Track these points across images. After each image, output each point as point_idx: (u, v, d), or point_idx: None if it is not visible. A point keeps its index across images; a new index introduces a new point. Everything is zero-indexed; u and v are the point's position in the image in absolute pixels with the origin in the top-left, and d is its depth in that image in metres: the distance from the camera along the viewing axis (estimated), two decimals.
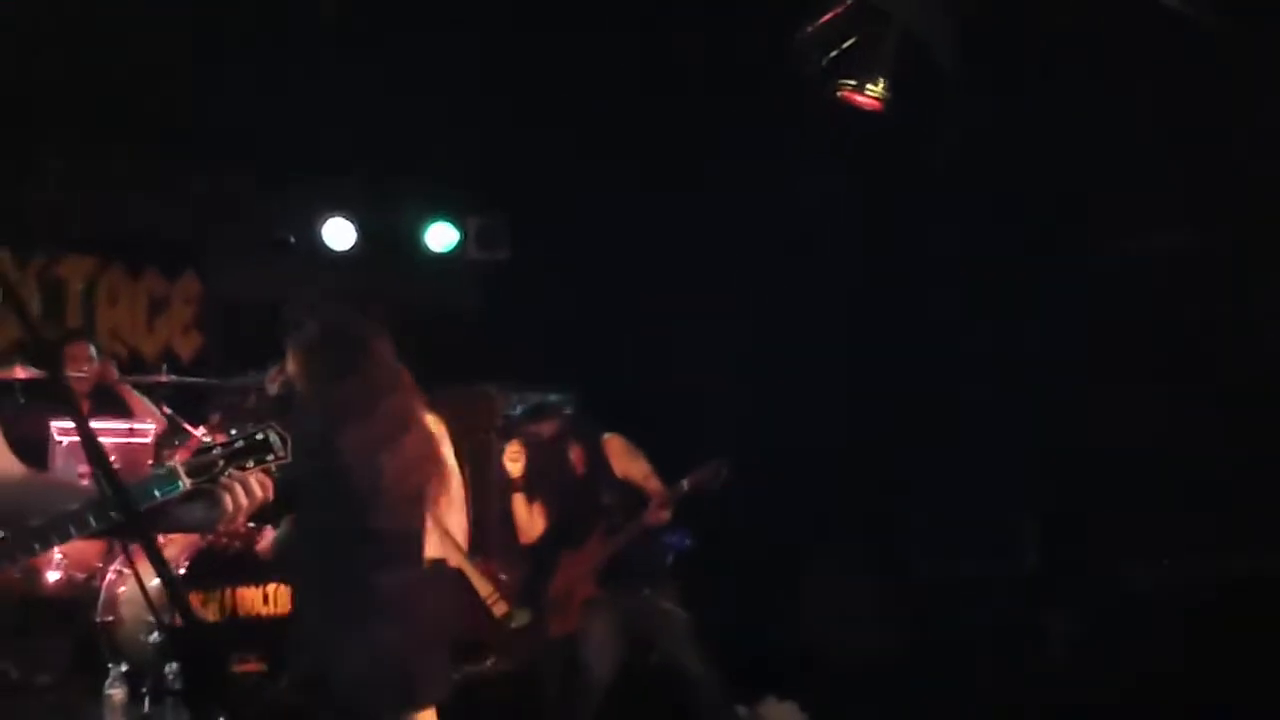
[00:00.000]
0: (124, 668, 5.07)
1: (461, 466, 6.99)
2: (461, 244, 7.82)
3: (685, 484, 5.36)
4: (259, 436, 2.64)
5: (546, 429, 5.82)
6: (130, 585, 5.33)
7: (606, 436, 5.65)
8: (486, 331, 7.72)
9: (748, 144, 6.43)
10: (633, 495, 5.55)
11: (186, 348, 7.10)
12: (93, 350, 6.01)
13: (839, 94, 5.08)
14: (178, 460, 2.56)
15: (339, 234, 7.33)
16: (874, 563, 7.07)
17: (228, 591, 5.37)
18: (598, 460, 5.65)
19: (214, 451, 2.61)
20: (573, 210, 7.48)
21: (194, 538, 5.32)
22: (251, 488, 2.61)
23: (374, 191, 7.52)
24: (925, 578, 7.06)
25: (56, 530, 2.51)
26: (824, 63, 4.97)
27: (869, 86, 5.08)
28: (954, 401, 6.78)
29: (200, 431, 5.68)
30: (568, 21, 6.10)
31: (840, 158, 6.15)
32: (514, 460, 5.61)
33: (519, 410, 6.28)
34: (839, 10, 4.92)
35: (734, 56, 6.09)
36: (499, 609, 5.53)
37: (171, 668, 5.05)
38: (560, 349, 7.29)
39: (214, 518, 2.58)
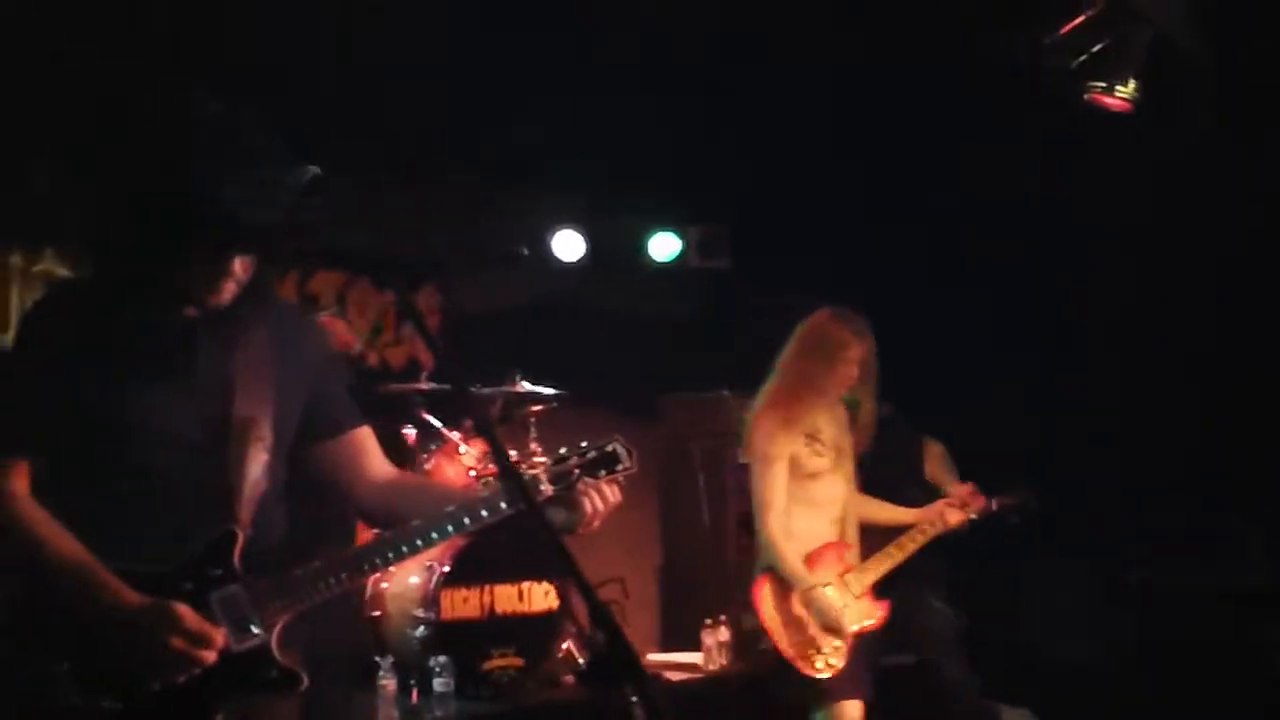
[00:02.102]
0: (391, 660, 5.33)
1: (695, 471, 7.22)
2: (683, 253, 7.97)
3: (994, 504, 5.39)
4: (609, 448, 2.88)
5: None
6: (395, 581, 5.59)
7: (929, 440, 5.80)
8: (708, 338, 7.84)
9: (982, 146, 6.40)
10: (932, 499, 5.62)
11: (429, 357, 7.37)
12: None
13: (1088, 96, 5.09)
14: (540, 469, 2.81)
15: (569, 246, 7.55)
16: (1092, 569, 6.98)
17: (487, 589, 5.59)
18: (913, 459, 5.89)
19: (570, 461, 2.85)
20: (794, 217, 7.56)
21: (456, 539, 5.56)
22: (607, 495, 2.86)
23: (601, 204, 7.73)
24: (1146, 586, 6.96)
25: (451, 522, 2.76)
26: (1074, 65, 4.99)
27: (1119, 88, 5.08)
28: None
29: (456, 436, 5.93)
30: (786, 30, 6.18)
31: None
32: None
33: None
34: (1090, 13, 4.92)
35: (962, 58, 6.08)
36: None
37: (437, 660, 5.29)
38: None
39: (574, 521, 2.83)
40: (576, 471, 2.92)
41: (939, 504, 5.17)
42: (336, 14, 5.57)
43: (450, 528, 2.85)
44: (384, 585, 5.62)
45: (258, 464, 2.78)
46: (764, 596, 4.79)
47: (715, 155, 7.17)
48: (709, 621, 6.29)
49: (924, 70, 6.04)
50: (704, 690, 6.06)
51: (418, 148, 6.79)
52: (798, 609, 4.71)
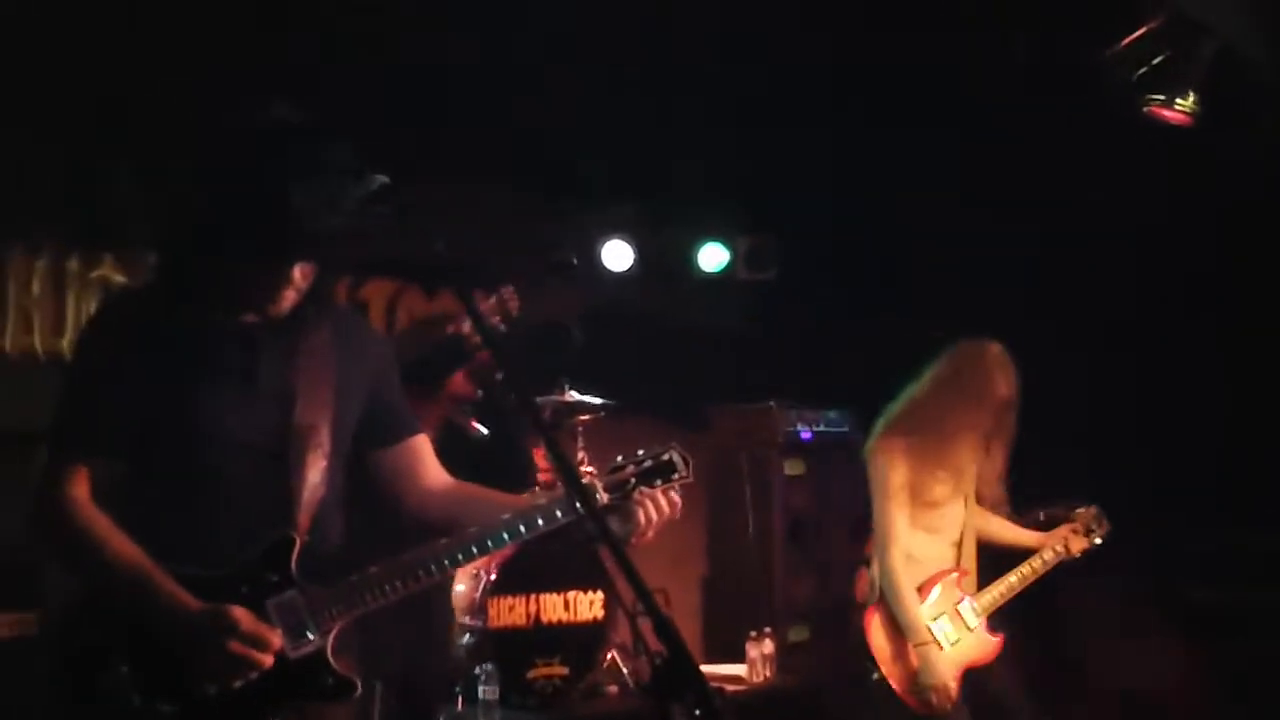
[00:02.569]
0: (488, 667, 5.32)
1: (742, 482, 7.20)
2: (731, 264, 7.95)
3: (1041, 515, 5.33)
4: (665, 457, 2.88)
5: None
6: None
7: None
8: (756, 349, 7.82)
9: (1038, 157, 6.34)
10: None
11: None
12: None
13: (1148, 109, 5.05)
14: (595, 478, 2.81)
15: (618, 256, 7.55)
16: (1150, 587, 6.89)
17: (533, 598, 5.58)
18: None
19: (627, 469, 2.84)
20: (843, 228, 7.54)
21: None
22: (662, 505, 2.85)
23: (650, 214, 7.72)
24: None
25: (508, 529, 2.76)
26: (1135, 77, 4.95)
27: (1179, 101, 5.03)
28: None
29: None
30: (833, 41, 6.16)
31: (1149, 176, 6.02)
32: None
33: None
34: (1152, 24, 4.88)
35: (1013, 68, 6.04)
36: None
37: (483, 668, 5.29)
38: (835, 367, 7.33)
39: (629, 530, 2.82)
40: (633, 480, 2.92)
41: (1063, 529, 4.93)
42: (396, 17, 5.61)
43: (506, 535, 2.85)
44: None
45: (316, 470, 2.79)
46: (875, 626, 4.61)
47: (766, 165, 7.16)
48: (753, 634, 6.27)
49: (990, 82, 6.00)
50: (748, 703, 6.04)
51: (470, 155, 6.82)
52: (909, 654, 4.55)
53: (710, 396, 7.54)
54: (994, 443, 4.73)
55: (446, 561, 2.82)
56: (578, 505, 2.83)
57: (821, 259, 7.79)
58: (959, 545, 4.78)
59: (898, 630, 4.57)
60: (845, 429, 7.31)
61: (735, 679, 6.24)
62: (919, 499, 4.65)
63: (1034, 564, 4.85)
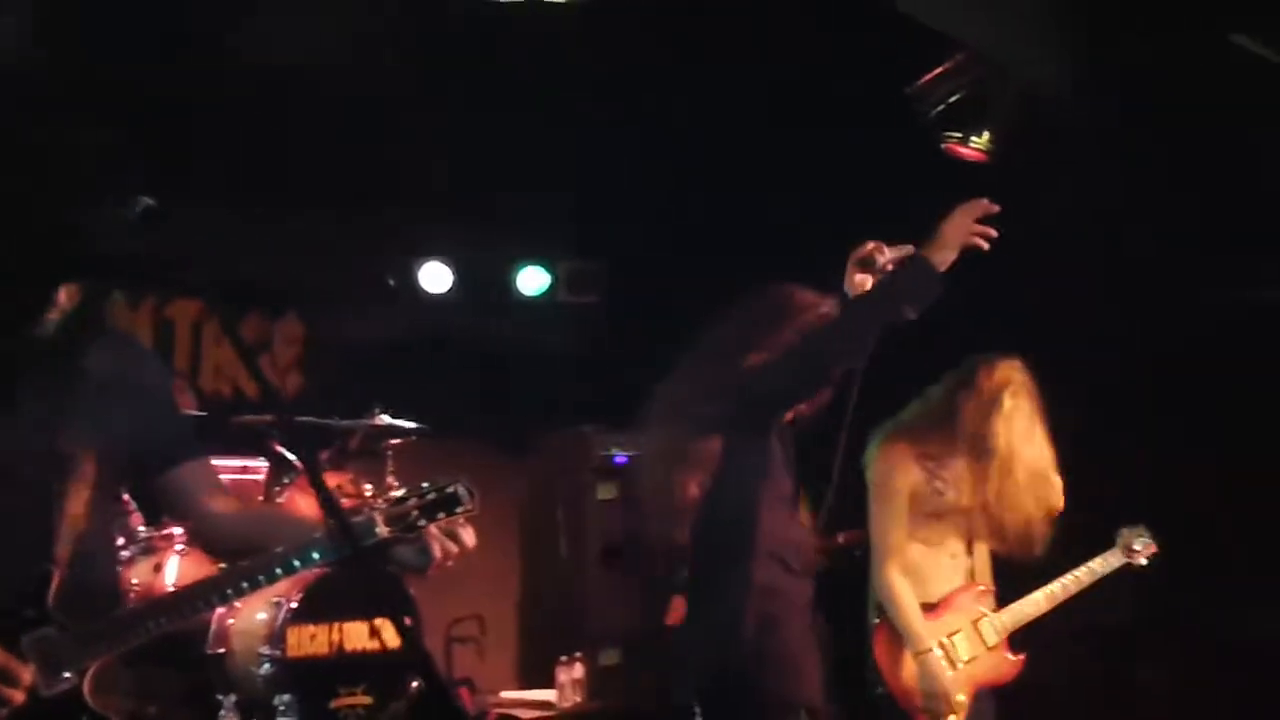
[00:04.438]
0: (234, 698, 5.19)
1: (555, 508, 7.19)
2: (553, 287, 7.94)
3: (840, 538, 5.34)
4: (450, 490, 2.81)
5: None
6: (241, 617, 5.46)
7: None
8: (579, 374, 7.82)
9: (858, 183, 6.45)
10: None
11: (288, 388, 7.26)
12: None
13: (945, 145, 5.19)
14: (377, 510, 2.75)
15: (436, 278, 7.48)
16: None
17: (336, 626, 5.47)
18: None
19: (409, 502, 2.79)
20: (667, 253, 7.58)
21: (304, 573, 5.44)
22: (461, 538, 2.80)
23: (469, 236, 7.67)
24: None
25: (281, 564, 2.68)
26: (933, 114, 5.09)
27: (974, 139, 5.19)
28: None
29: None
30: (660, 65, 6.20)
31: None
32: None
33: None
34: (950, 64, 5.03)
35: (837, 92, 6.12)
36: None
37: (282, 699, 5.17)
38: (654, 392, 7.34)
39: (425, 563, 2.77)
40: (414, 513, 2.86)
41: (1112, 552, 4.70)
42: (205, 33, 5.48)
43: (279, 569, 2.76)
44: (230, 621, 5.48)
45: (79, 500, 2.68)
46: (880, 643, 4.36)
47: (591, 189, 7.17)
48: (564, 659, 6.25)
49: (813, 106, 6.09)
50: None
51: (282, 174, 6.70)
52: (909, 667, 4.28)
53: (527, 421, 7.52)
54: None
55: (214, 598, 2.72)
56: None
57: (644, 283, 7.83)
58: (965, 556, 4.50)
59: (900, 644, 4.32)
60: None
61: (545, 705, 6.22)
62: (920, 508, 4.40)
63: (1065, 583, 4.58)
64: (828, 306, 3.64)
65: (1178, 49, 4.89)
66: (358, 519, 2.76)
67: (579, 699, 6.24)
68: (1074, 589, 4.59)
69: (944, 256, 3.32)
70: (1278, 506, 5.83)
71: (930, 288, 3.31)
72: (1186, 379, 6.19)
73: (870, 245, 3.53)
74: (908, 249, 3.45)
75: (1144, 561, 4.70)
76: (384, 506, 2.83)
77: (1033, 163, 5.32)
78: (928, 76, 5.05)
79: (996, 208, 3.31)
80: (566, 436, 7.27)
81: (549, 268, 7.89)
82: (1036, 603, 4.56)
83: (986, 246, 3.30)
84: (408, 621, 5.65)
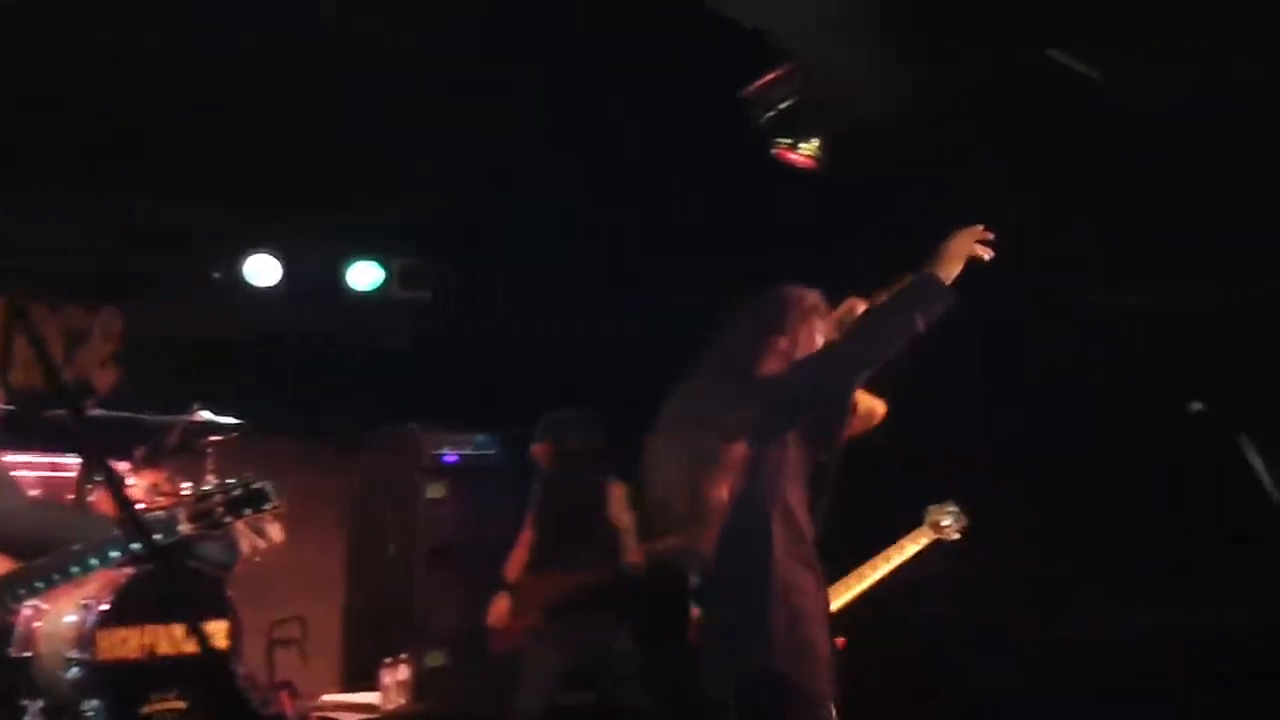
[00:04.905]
0: (40, 704, 5.00)
1: (384, 507, 7.08)
2: (386, 283, 7.82)
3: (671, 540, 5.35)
4: (256, 486, 2.76)
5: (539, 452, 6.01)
6: (47, 620, 5.26)
7: (613, 482, 5.76)
8: (411, 371, 7.71)
9: (688, 185, 6.49)
10: (613, 541, 5.74)
11: (104, 382, 7.01)
12: None
13: (775, 151, 5.25)
14: (182, 507, 2.67)
15: (262, 271, 7.30)
16: None
17: (149, 629, 5.30)
18: (586, 497, 5.82)
19: (214, 499, 2.72)
20: (500, 250, 7.54)
21: (115, 574, 5.26)
22: (267, 534, 2.76)
23: (298, 229, 7.50)
24: None
25: (76, 562, 2.58)
26: (764, 120, 5.13)
27: (802, 145, 5.25)
28: None
29: (125, 468, 5.64)
30: (501, 59, 6.15)
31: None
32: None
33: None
34: (780, 71, 5.08)
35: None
36: None
37: (90, 704, 4.99)
38: (488, 390, 7.31)
39: (231, 559, 2.72)
40: (219, 510, 2.80)
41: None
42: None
43: (75, 568, 2.67)
44: (36, 624, 5.27)
45: None
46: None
47: (427, 185, 7.08)
48: (388, 660, 6.16)
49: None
50: None
51: (105, 162, 6.48)
52: None
53: (356, 419, 7.40)
54: None
55: (7, 597, 2.62)
56: (159, 536, 2.68)
57: (479, 280, 7.77)
58: None
59: None
60: (492, 452, 7.31)
61: (369, 707, 6.12)
62: None
63: (876, 562, 4.58)
64: (814, 299, 3.74)
65: (998, 62, 5.02)
66: (161, 515, 2.71)
67: (403, 701, 6.16)
68: (886, 568, 4.59)
69: (950, 270, 3.50)
70: (1097, 501, 6.04)
71: (941, 299, 3.48)
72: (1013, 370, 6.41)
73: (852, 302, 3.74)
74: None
75: (955, 536, 4.73)
76: (189, 502, 2.78)
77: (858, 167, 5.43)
78: (759, 82, 5.09)
79: (991, 235, 3.52)
80: (395, 435, 7.18)
81: (382, 263, 7.77)
82: (849, 584, 4.55)
83: (988, 258, 3.51)
84: (225, 625, 5.51)
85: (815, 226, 6.27)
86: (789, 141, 5.20)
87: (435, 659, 6.72)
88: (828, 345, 3.64)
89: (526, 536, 5.97)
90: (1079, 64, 5.02)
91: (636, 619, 6.01)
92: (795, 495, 3.55)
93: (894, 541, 4.65)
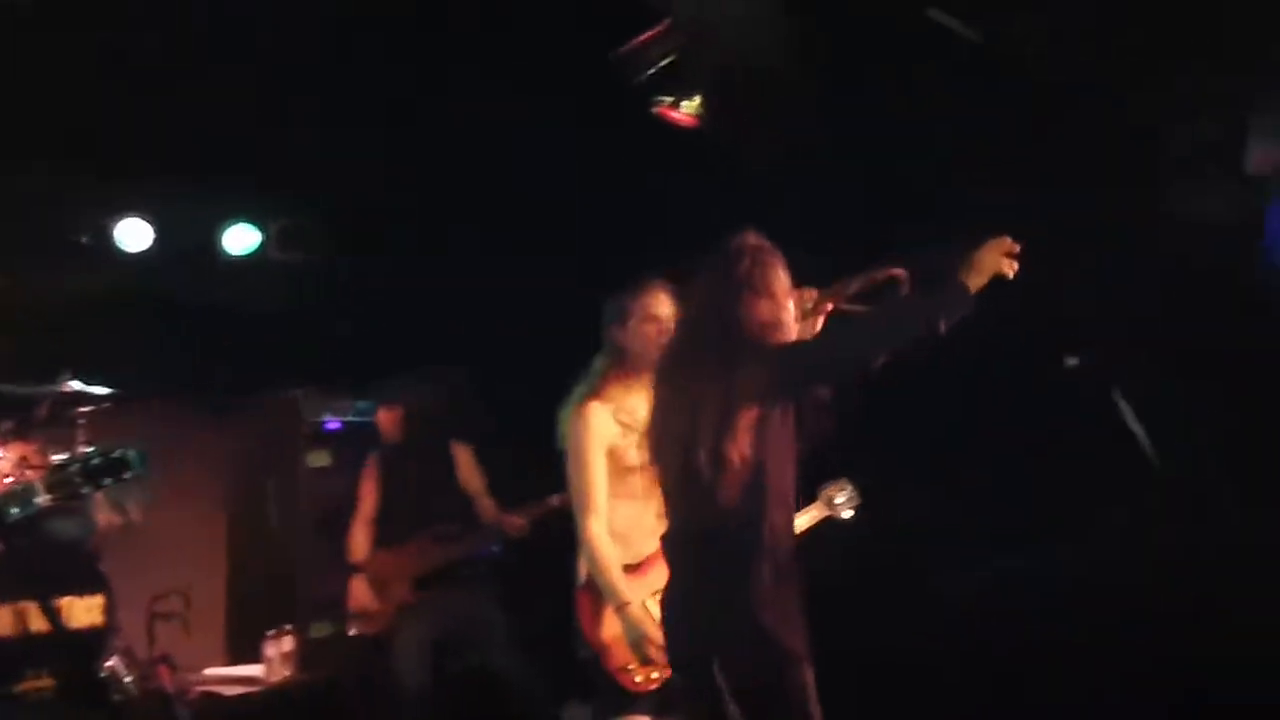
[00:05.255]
0: None
1: (266, 476, 6.94)
2: (263, 246, 7.63)
3: (555, 500, 5.31)
4: (116, 454, 2.68)
5: (387, 419, 5.92)
6: None
7: (457, 445, 5.70)
8: (291, 336, 7.56)
9: (567, 149, 6.44)
10: (468, 506, 5.73)
11: None
12: None
13: (657, 109, 5.20)
14: (40, 479, 2.59)
15: (135, 235, 7.08)
16: None
17: (20, 605, 5.15)
18: (439, 463, 5.75)
19: (71, 468, 2.64)
20: (382, 213, 7.42)
21: None
22: (126, 508, 2.68)
23: (171, 191, 7.29)
24: None
25: None
26: (643, 78, 5.08)
27: (684, 103, 5.21)
28: None
29: None
30: (371, 20, 6.04)
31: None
32: None
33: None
34: (658, 28, 5.02)
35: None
36: None
37: None
38: (370, 355, 7.20)
39: (87, 531, 2.65)
40: (78, 479, 2.71)
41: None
42: None
43: None
44: None
45: None
46: (583, 607, 4.31)
47: (302, 145, 6.92)
48: (271, 632, 6.06)
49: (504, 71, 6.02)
50: (264, 705, 5.83)
51: None
52: (611, 623, 4.24)
53: (234, 385, 7.24)
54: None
55: None
56: (16, 510, 2.59)
57: (360, 243, 7.63)
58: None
59: (601, 602, 4.26)
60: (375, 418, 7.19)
61: (251, 680, 6.02)
62: (617, 464, 4.35)
63: None
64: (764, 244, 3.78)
65: (877, 20, 5.03)
66: (17, 487, 2.63)
67: (288, 673, 6.06)
68: None
69: (977, 281, 3.61)
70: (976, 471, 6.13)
71: (963, 307, 3.59)
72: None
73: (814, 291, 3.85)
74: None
75: (848, 514, 4.79)
76: (46, 473, 2.70)
77: (740, 124, 5.41)
78: (636, 41, 5.03)
79: (1018, 246, 3.64)
80: (276, 402, 7.04)
81: (258, 225, 7.58)
82: None
83: (1012, 275, 3.64)
84: (100, 599, 5.39)
85: (679, 192, 6.30)
86: (670, 100, 5.16)
87: (321, 629, 6.62)
88: (852, 322, 3.79)
89: (366, 512, 5.91)
90: (956, 23, 5.06)
91: (507, 583, 5.99)
92: (790, 454, 3.67)
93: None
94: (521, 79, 5.96)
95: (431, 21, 5.87)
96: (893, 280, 3.82)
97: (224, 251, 7.51)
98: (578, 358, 4.52)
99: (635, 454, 4.32)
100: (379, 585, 5.75)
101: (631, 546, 4.35)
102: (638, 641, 4.19)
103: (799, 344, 3.75)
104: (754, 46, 5.33)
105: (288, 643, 6.08)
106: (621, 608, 4.23)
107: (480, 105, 6.35)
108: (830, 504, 4.76)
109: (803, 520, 4.57)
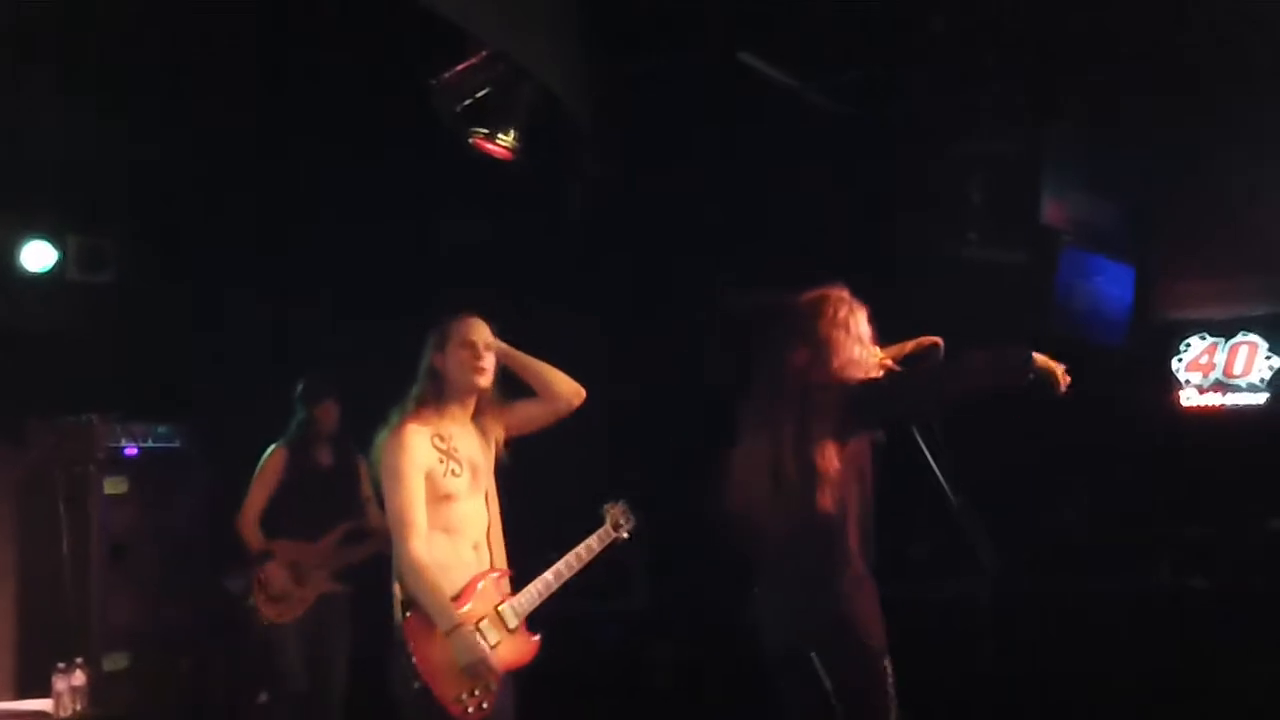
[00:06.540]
0: None
1: (57, 501, 6.70)
2: (60, 264, 7.37)
3: None
4: None
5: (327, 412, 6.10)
6: None
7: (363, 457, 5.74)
8: (88, 358, 7.31)
9: (377, 182, 6.43)
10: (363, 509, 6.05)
11: None
12: None
13: (471, 141, 5.22)
14: None
15: None
16: None
17: None
18: (352, 466, 5.99)
19: None
20: (186, 233, 7.27)
21: None
22: None
23: None
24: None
25: None
26: (458, 110, 5.09)
27: (500, 136, 5.25)
28: None
29: None
30: (179, 37, 5.94)
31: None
32: None
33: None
34: (474, 60, 5.05)
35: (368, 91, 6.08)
36: None
37: None
38: (171, 379, 7.03)
39: None
40: None
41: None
42: None
43: None
44: None
45: None
46: (412, 636, 4.19)
47: (103, 159, 6.73)
48: (62, 665, 5.86)
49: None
50: None
51: None
52: (442, 648, 4.15)
53: (26, 407, 6.98)
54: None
55: None
56: None
57: (163, 263, 7.45)
58: (487, 548, 4.45)
59: (431, 628, 4.17)
60: (176, 444, 7.05)
61: (40, 714, 5.80)
62: (434, 492, 4.28)
63: (569, 560, 4.58)
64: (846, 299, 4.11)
65: (690, 64, 5.15)
66: None
67: (79, 707, 5.85)
68: (577, 566, 4.62)
69: (1038, 361, 3.84)
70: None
71: (1018, 378, 3.85)
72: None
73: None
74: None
75: (626, 536, 4.79)
76: None
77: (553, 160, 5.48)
78: (452, 71, 5.04)
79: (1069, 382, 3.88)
80: (70, 426, 6.81)
81: (55, 243, 7.32)
82: (547, 582, 4.55)
83: (1063, 389, 3.87)
84: None
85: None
86: (485, 132, 5.18)
87: (115, 662, 6.42)
88: (926, 373, 4.02)
89: (258, 503, 5.99)
90: (769, 67, 5.21)
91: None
92: (865, 476, 4.02)
93: (579, 541, 4.69)
94: (329, 107, 5.95)
95: (241, 43, 5.80)
96: (935, 347, 4.05)
97: (20, 269, 7.24)
98: (386, 388, 4.49)
99: (451, 481, 4.30)
100: (299, 573, 5.90)
101: (449, 577, 4.29)
102: (472, 665, 4.15)
103: (876, 385, 4.01)
104: (561, 88, 5.40)
105: (79, 676, 5.87)
106: (454, 630, 4.17)
107: (287, 133, 6.33)
108: (616, 525, 4.77)
109: (596, 542, 4.68)
